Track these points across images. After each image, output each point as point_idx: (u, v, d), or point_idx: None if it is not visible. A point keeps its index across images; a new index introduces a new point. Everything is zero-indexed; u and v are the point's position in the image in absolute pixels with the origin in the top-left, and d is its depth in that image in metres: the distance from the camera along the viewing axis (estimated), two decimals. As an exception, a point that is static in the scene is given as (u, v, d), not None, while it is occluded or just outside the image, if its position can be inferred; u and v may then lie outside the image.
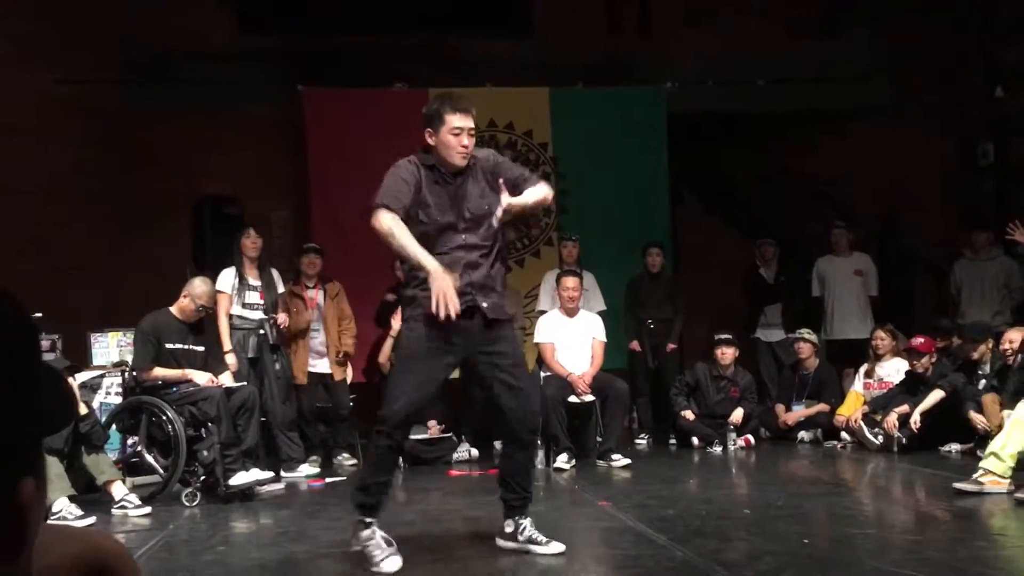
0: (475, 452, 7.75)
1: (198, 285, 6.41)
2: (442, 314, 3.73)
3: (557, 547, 4.12)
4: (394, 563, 3.92)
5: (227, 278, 7.13)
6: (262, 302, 7.21)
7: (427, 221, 4.00)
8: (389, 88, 9.27)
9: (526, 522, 4.19)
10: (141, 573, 1.09)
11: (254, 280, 7.23)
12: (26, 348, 0.80)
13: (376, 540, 3.99)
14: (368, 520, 4.03)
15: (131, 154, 9.28)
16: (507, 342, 4.13)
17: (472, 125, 4.07)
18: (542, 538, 4.15)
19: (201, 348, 6.45)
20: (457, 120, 4.03)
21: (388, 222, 3.86)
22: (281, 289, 7.43)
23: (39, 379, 0.80)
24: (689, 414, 8.11)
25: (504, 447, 4.36)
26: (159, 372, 6.21)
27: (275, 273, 7.44)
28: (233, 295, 7.10)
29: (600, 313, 8.02)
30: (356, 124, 9.06)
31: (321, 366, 7.75)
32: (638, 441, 8.48)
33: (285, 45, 9.71)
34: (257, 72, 9.54)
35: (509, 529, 4.22)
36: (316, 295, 7.78)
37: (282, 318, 7.22)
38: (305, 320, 7.63)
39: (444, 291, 3.74)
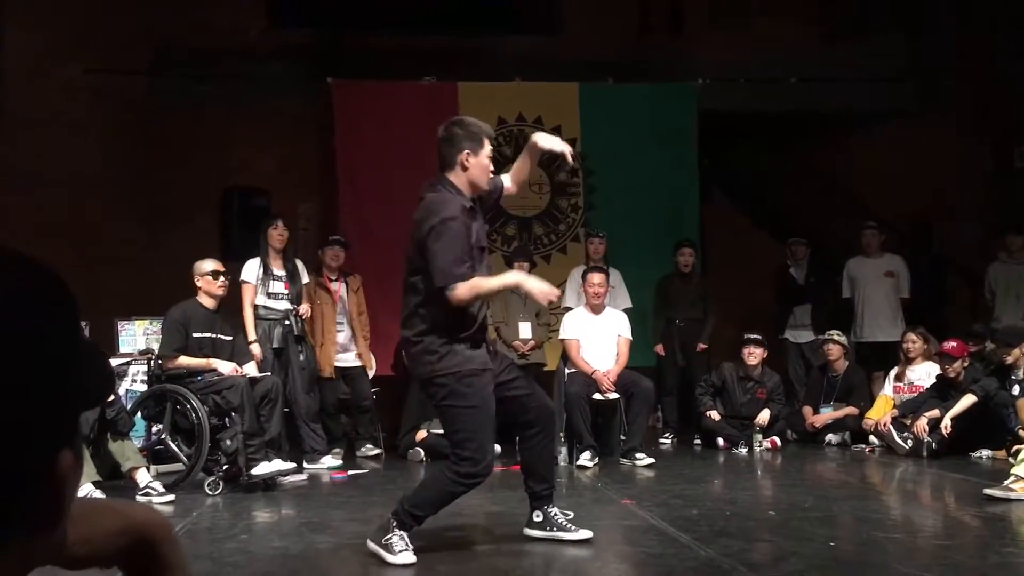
0: (496, 447, 7.71)
1: (199, 262, 6.48)
2: (555, 299, 4.28)
3: (585, 533, 4.25)
4: (409, 558, 3.93)
5: (252, 268, 7.14)
6: (287, 292, 7.21)
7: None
8: (418, 81, 9.25)
9: (554, 510, 4.30)
10: (181, 545, 1.08)
11: (279, 270, 7.24)
12: (68, 322, 0.81)
13: (401, 534, 3.98)
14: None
15: (159, 146, 9.34)
16: (511, 365, 4.32)
17: None
18: (570, 525, 4.27)
19: (229, 337, 6.47)
20: (491, 146, 4.09)
21: (467, 293, 3.86)
22: (306, 280, 7.44)
23: (79, 353, 0.80)
24: (715, 414, 8.04)
25: (526, 440, 4.32)
26: (184, 361, 6.23)
27: (300, 264, 7.44)
28: (258, 285, 7.11)
29: (626, 310, 7.97)
30: (385, 116, 9.06)
31: (344, 359, 7.75)
32: (662, 440, 8.41)
33: (314, 40, 9.73)
34: (286, 67, 9.56)
35: (538, 519, 4.30)
36: (339, 288, 7.78)
37: (304, 308, 7.23)
38: (332, 312, 7.64)
39: (543, 288, 4.00)
